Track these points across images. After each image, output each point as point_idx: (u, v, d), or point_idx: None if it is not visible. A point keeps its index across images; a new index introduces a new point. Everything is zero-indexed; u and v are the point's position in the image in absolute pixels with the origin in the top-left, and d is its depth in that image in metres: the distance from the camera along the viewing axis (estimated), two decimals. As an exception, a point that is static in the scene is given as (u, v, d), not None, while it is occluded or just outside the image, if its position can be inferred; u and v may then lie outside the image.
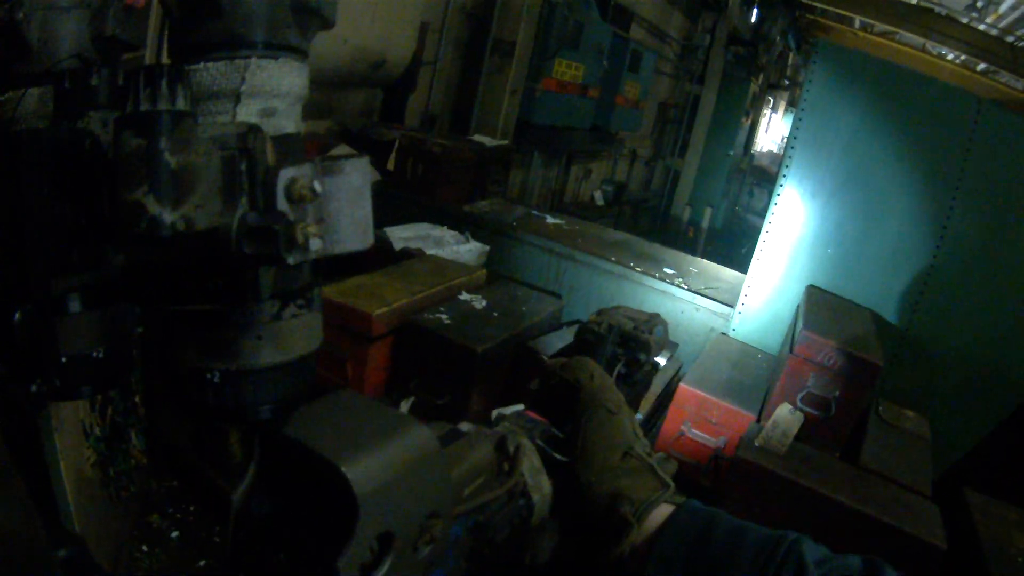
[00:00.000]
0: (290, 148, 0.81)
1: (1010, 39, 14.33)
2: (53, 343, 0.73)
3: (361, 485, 0.64)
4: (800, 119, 4.15)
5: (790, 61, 19.16)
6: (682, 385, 3.36)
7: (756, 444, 3.05)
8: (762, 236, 4.28)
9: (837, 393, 3.12)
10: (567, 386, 1.23)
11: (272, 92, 0.78)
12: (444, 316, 3.07)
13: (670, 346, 3.57)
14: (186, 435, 3.34)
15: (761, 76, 15.04)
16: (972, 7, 14.11)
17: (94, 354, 0.77)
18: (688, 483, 3.34)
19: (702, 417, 3.35)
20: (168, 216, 0.68)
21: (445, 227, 4.60)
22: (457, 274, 3.47)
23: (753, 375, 3.64)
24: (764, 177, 20.43)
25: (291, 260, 0.76)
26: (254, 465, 0.72)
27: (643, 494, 0.99)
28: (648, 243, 5.70)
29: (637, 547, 0.96)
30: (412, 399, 2.82)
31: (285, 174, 0.75)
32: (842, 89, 4.07)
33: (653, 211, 13.37)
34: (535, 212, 5.62)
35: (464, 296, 3.36)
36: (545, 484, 0.99)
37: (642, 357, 3.13)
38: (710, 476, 3.30)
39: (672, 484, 1.04)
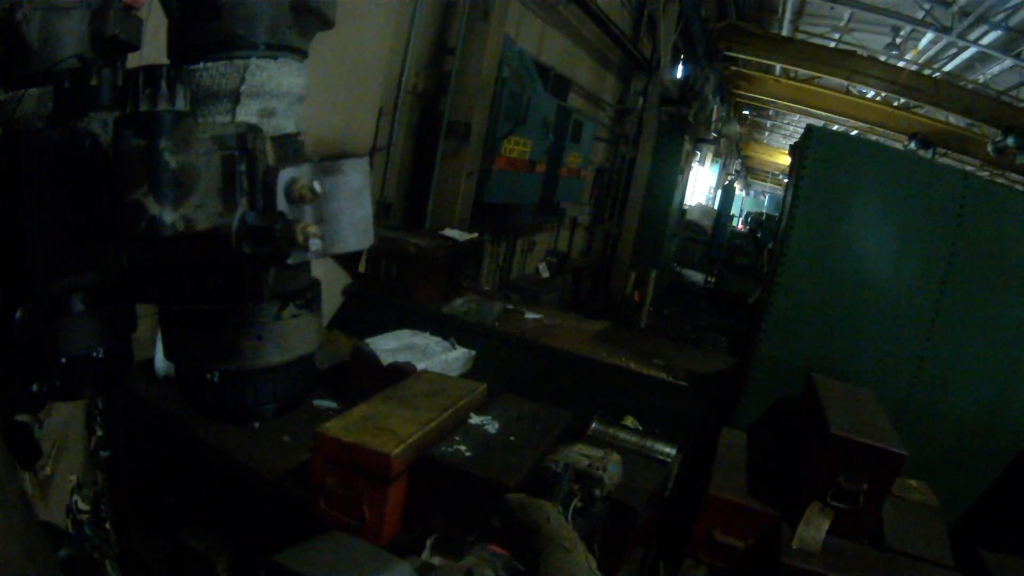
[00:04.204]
0: (290, 148, 0.81)
1: (928, 73, 15.09)
2: (53, 343, 0.70)
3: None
4: (796, 206, 4.14)
5: (714, 116, 19.78)
6: (712, 493, 3.32)
7: (794, 546, 3.06)
8: (762, 325, 4.26)
9: (865, 486, 3.14)
10: (526, 526, 1.29)
11: (272, 92, 0.78)
12: (462, 447, 2.90)
13: (670, 441, 3.56)
14: (163, 560, 3.23)
15: (690, 131, 15.43)
16: (892, 45, 14.78)
17: (94, 354, 0.74)
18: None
19: (731, 522, 3.32)
20: (168, 216, 0.66)
21: (427, 333, 4.38)
22: (461, 394, 3.29)
23: (769, 470, 3.63)
24: (697, 231, 20.90)
25: (291, 260, 0.75)
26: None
27: None
28: (627, 331, 5.61)
29: None
30: (436, 535, 2.71)
31: (285, 174, 0.74)
32: (834, 173, 4.12)
33: (595, 277, 13.47)
34: (511, 307, 5.53)
35: (474, 419, 3.20)
36: None
37: (597, 493, 3.17)
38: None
39: None
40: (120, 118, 0.69)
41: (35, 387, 0.69)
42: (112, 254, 0.73)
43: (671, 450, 3.53)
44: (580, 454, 3.24)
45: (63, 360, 0.72)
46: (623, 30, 10.75)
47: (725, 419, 4.19)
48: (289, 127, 0.82)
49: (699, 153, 21.58)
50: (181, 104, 0.70)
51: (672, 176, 14.36)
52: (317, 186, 0.76)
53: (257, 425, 3.26)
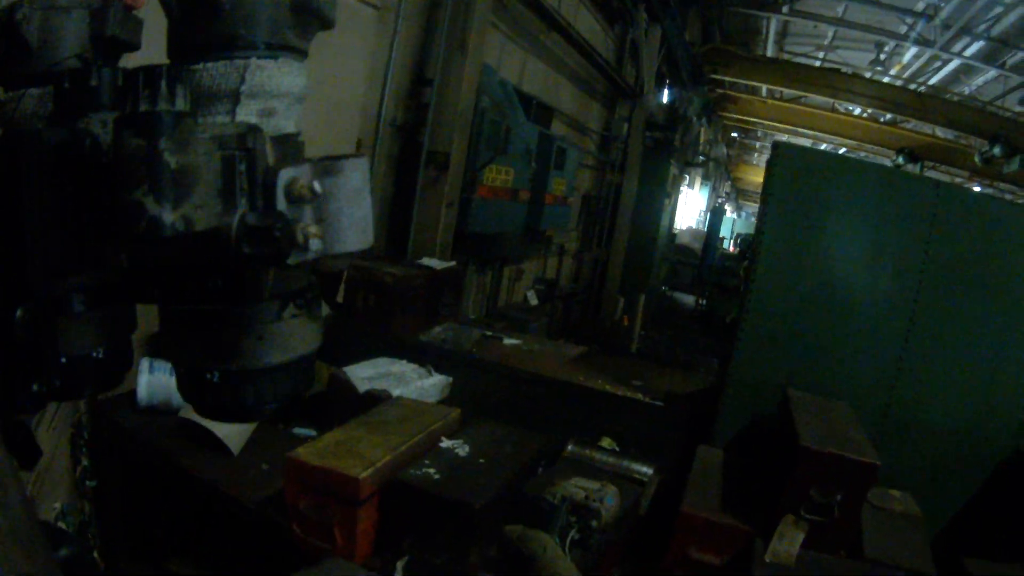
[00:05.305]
0: (289, 148, 0.82)
1: (913, 87, 15.31)
2: (53, 343, 0.71)
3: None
4: (765, 222, 4.19)
5: (702, 138, 19.97)
6: (685, 510, 3.32)
7: (767, 559, 3.04)
8: (736, 342, 4.24)
9: (839, 497, 3.14)
10: (523, 557, 1.33)
11: (271, 92, 0.79)
12: (431, 470, 2.96)
13: (647, 460, 3.64)
14: None
15: (677, 156, 15.54)
16: (876, 61, 15.04)
17: (94, 354, 0.74)
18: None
19: (705, 539, 3.32)
20: (168, 216, 0.67)
21: (404, 361, 4.43)
22: (433, 419, 3.35)
23: (744, 486, 3.63)
24: (687, 254, 21.02)
25: (291, 260, 0.76)
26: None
27: None
28: (606, 354, 5.63)
29: None
30: (407, 558, 2.73)
31: (285, 174, 0.75)
32: (802, 187, 4.16)
33: (584, 303, 13.51)
34: (489, 333, 5.53)
35: (445, 443, 3.24)
36: None
37: (594, 524, 3.20)
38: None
39: None
40: (120, 118, 0.70)
41: (35, 387, 0.70)
42: (112, 254, 0.73)
43: (647, 469, 3.56)
44: (577, 486, 3.27)
45: (63, 360, 0.72)
46: (606, 58, 10.89)
47: (703, 438, 4.20)
48: (289, 127, 0.83)
49: (687, 177, 21.78)
50: (181, 104, 0.71)
51: (659, 200, 14.48)
52: (317, 186, 0.77)
53: (236, 452, 3.26)
